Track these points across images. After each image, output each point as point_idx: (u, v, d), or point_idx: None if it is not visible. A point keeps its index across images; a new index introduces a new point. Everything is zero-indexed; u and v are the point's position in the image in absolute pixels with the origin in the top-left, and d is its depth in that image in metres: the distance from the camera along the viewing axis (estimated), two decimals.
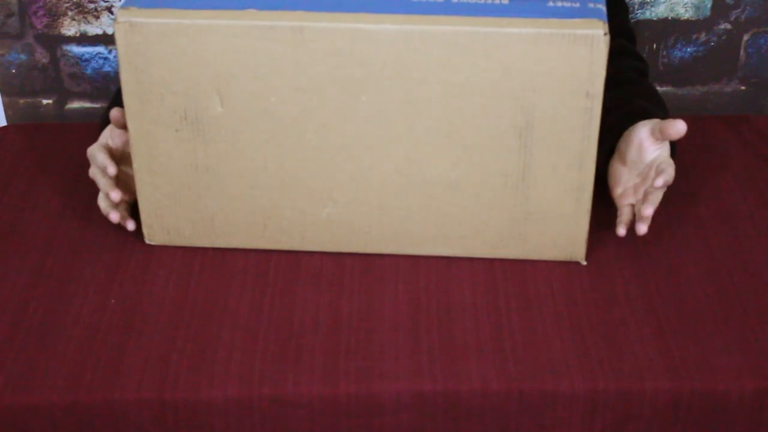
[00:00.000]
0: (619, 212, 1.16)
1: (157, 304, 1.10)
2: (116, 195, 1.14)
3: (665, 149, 1.14)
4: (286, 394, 1.01)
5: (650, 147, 1.13)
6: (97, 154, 1.16)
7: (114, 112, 1.14)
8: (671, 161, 1.12)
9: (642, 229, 1.11)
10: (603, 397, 1.01)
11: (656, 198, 1.12)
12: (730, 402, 1.02)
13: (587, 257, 1.15)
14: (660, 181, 1.09)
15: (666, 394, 1.01)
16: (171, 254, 1.17)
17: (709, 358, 1.03)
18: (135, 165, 1.12)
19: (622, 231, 1.14)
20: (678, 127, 1.09)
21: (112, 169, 1.13)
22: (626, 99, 1.21)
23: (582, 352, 1.04)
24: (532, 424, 1.02)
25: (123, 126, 1.14)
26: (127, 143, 1.16)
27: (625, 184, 1.16)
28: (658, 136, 1.11)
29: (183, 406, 1.01)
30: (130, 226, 1.18)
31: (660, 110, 1.23)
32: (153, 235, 1.17)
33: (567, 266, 1.15)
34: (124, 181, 1.18)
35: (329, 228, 1.14)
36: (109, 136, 1.18)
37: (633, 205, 1.15)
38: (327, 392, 1.01)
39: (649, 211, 1.10)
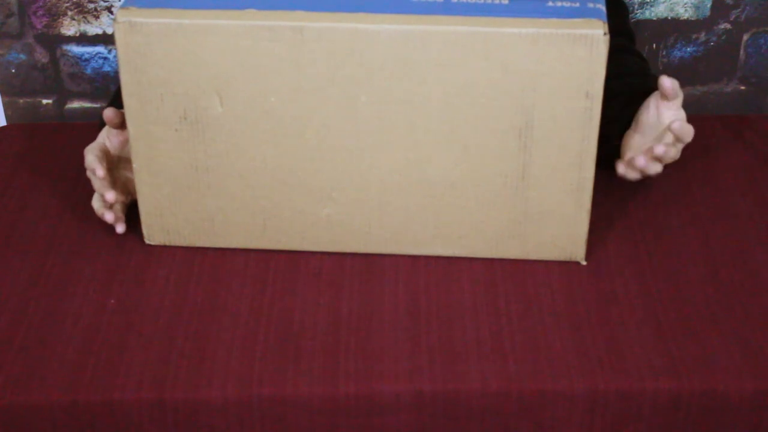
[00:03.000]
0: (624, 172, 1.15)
1: (156, 304, 1.10)
2: (111, 196, 1.14)
3: (681, 112, 1.13)
4: (285, 394, 1.01)
5: (665, 110, 1.12)
6: (87, 154, 1.15)
7: (107, 112, 1.13)
8: (687, 125, 1.12)
9: (653, 167, 1.11)
10: (603, 397, 1.01)
11: (672, 154, 1.11)
12: (730, 402, 1.02)
13: (587, 257, 1.15)
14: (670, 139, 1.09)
15: (666, 394, 1.01)
16: (171, 254, 1.17)
17: (709, 358, 1.04)
18: (135, 165, 1.12)
19: (621, 169, 1.13)
20: (665, 84, 1.10)
21: (100, 171, 1.12)
22: (629, 85, 1.21)
23: (582, 352, 1.04)
24: (532, 425, 1.02)
25: (117, 126, 1.14)
26: (124, 143, 1.16)
27: (636, 149, 1.16)
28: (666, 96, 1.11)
29: (183, 406, 1.01)
30: (119, 228, 1.17)
31: None
32: (153, 236, 1.17)
33: (567, 266, 1.15)
34: (121, 182, 1.18)
35: (329, 228, 1.14)
36: (106, 136, 1.18)
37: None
38: (327, 392, 1.01)
39: (659, 150, 1.09)
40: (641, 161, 1.11)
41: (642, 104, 1.16)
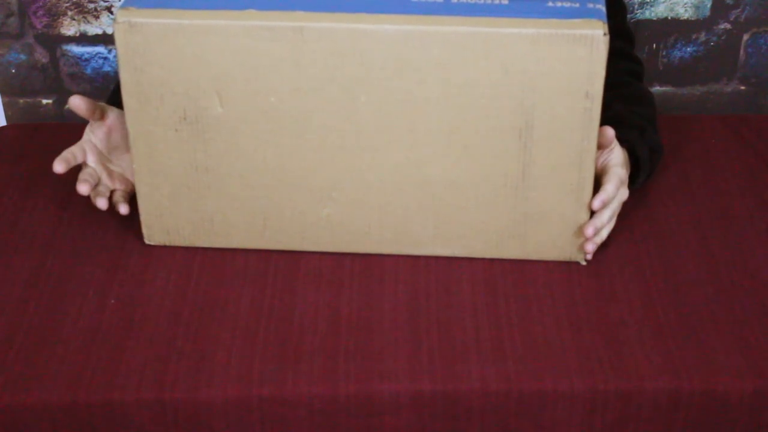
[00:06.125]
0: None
1: (156, 304, 1.10)
2: (84, 189, 1.14)
3: (611, 156, 1.13)
4: (285, 394, 1.01)
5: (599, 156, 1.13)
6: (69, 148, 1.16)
7: (74, 100, 1.13)
8: (614, 177, 1.12)
9: (587, 248, 1.12)
10: (603, 397, 1.01)
11: (602, 218, 1.11)
12: (730, 402, 1.02)
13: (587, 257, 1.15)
14: (596, 203, 1.09)
15: (666, 394, 1.01)
16: (171, 254, 1.17)
17: (709, 358, 1.04)
18: (135, 165, 1.12)
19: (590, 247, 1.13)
20: (604, 133, 1.09)
21: (58, 167, 1.13)
22: (605, 104, 1.21)
23: (582, 352, 1.04)
24: (532, 424, 1.03)
25: (84, 113, 1.14)
26: (107, 133, 1.16)
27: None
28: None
29: (182, 407, 1.01)
30: (123, 209, 1.18)
31: (638, 115, 1.22)
32: (152, 236, 1.17)
33: (567, 266, 1.15)
34: (117, 173, 1.19)
35: (329, 228, 1.14)
36: (90, 131, 1.18)
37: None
38: (327, 392, 1.01)
39: (588, 231, 1.10)
40: (589, 247, 1.12)
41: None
